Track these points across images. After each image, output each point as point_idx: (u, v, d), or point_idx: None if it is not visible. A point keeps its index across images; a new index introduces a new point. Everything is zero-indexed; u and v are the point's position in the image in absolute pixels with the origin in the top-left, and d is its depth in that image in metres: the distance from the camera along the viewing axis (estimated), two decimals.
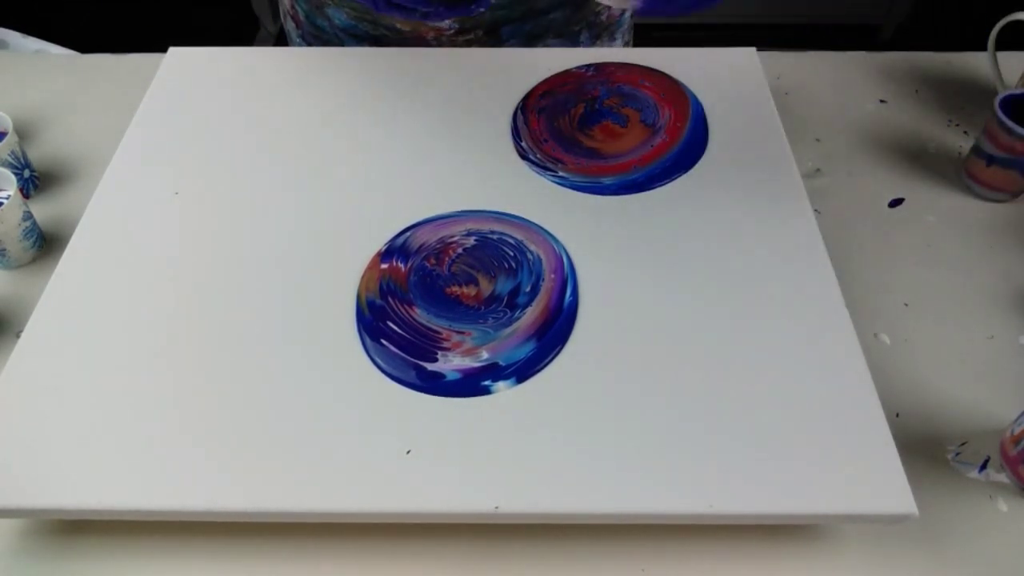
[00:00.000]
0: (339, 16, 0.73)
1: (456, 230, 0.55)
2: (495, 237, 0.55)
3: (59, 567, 0.46)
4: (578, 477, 0.43)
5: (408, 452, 0.44)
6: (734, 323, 0.50)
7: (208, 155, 0.61)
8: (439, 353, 0.49)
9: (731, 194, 0.58)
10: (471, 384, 0.47)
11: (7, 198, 0.59)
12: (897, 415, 0.52)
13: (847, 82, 0.76)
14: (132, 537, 0.47)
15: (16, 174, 0.64)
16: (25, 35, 1.06)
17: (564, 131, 0.63)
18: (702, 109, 0.64)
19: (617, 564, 0.46)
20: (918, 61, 0.79)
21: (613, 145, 0.62)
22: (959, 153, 0.70)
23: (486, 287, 0.52)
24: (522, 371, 0.48)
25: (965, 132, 0.72)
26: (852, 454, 0.44)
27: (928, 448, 0.51)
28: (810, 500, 0.42)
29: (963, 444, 0.51)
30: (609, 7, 0.75)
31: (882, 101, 0.75)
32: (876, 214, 0.65)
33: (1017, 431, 0.48)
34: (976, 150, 0.65)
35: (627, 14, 0.79)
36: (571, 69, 0.68)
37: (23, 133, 0.73)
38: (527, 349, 0.49)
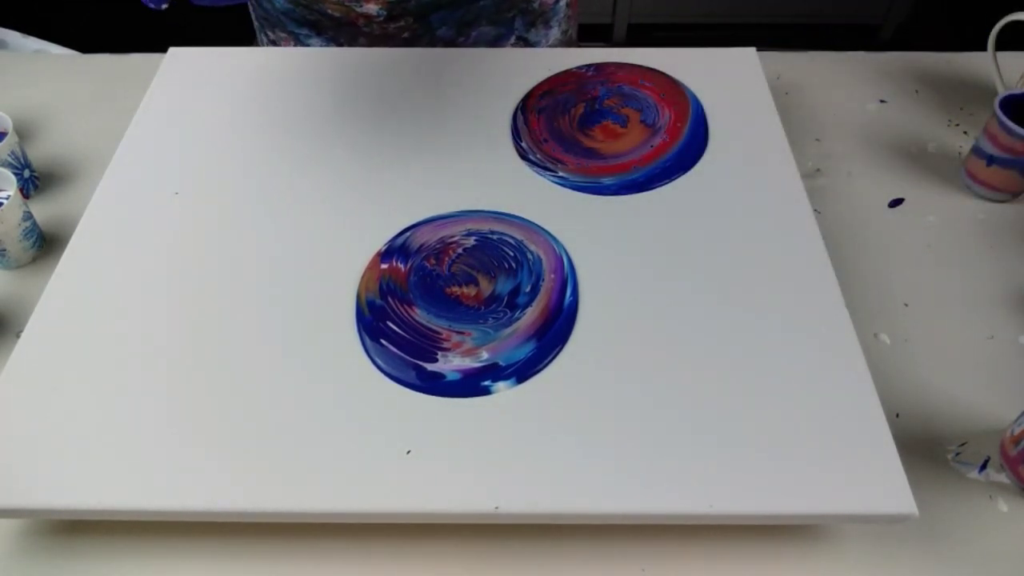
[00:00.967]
0: (279, 0, 0.74)
1: (456, 230, 0.55)
2: (495, 237, 0.55)
3: (59, 567, 0.46)
4: (578, 477, 0.43)
5: (408, 452, 0.44)
6: (734, 323, 0.50)
7: (208, 155, 0.61)
8: (439, 353, 0.49)
9: (731, 194, 0.58)
10: (471, 384, 0.47)
11: (7, 198, 0.59)
12: (897, 415, 0.52)
13: (847, 82, 0.76)
14: (132, 537, 0.47)
15: (16, 174, 0.64)
16: (25, 35, 1.07)
17: (564, 131, 0.63)
18: (702, 109, 0.64)
19: (617, 564, 0.46)
20: (918, 61, 0.79)
21: (613, 145, 0.62)
22: (959, 153, 0.70)
23: (486, 287, 0.52)
24: (522, 371, 0.48)
25: (965, 132, 0.72)
26: (852, 454, 0.44)
27: (928, 448, 0.51)
28: (810, 500, 0.42)
29: (963, 444, 0.51)
30: None
31: (882, 101, 0.75)
32: (876, 214, 0.65)
33: (1017, 431, 0.48)
34: (976, 150, 0.65)
35: (561, 2, 0.79)
36: (571, 69, 0.68)
37: (23, 133, 0.73)
38: (527, 349, 0.49)
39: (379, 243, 0.55)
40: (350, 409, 0.46)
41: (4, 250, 0.60)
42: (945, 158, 0.69)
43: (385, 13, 0.71)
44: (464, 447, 0.44)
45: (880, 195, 0.66)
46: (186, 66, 0.68)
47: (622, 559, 0.46)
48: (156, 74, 0.67)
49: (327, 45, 0.76)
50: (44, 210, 0.66)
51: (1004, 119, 0.61)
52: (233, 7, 0.50)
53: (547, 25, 0.79)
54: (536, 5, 0.77)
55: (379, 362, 0.48)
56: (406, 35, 0.73)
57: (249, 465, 0.44)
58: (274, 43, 0.79)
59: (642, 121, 0.64)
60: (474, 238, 0.55)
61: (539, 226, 0.55)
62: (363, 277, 0.53)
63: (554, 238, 0.55)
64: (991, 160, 0.64)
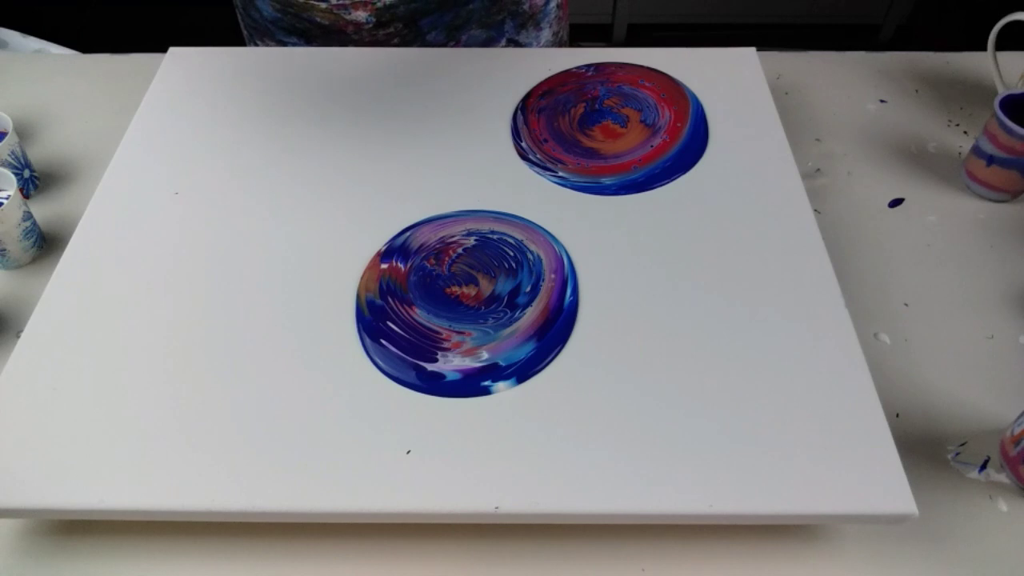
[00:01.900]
0: (266, 8, 0.74)
1: (456, 230, 0.55)
2: (495, 237, 0.55)
3: (59, 567, 0.46)
4: (578, 477, 0.43)
5: (408, 452, 0.44)
6: (734, 323, 0.50)
7: (208, 155, 0.61)
8: (439, 353, 0.49)
9: (731, 194, 0.58)
10: (471, 384, 0.47)
11: (7, 198, 0.59)
12: (897, 415, 0.52)
13: (847, 82, 0.76)
14: (132, 537, 0.47)
15: (16, 174, 0.64)
16: (25, 35, 1.07)
17: (564, 131, 0.63)
18: (702, 109, 0.64)
19: (617, 564, 0.46)
20: (918, 61, 0.79)
21: (613, 145, 0.62)
22: (959, 153, 0.70)
23: (486, 287, 0.52)
24: (522, 371, 0.48)
25: (965, 132, 0.72)
26: (852, 454, 0.44)
27: (928, 448, 0.51)
28: (810, 500, 0.42)
29: (963, 444, 0.51)
30: None
31: (882, 101, 0.75)
32: (876, 214, 0.65)
33: (1017, 431, 0.48)
34: (976, 150, 0.65)
35: (552, 4, 0.79)
36: (571, 69, 0.68)
37: (23, 133, 0.73)
38: (527, 349, 0.49)
39: (379, 243, 0.55)
40: (350, 409, 0.46)
41: (4, 250, 0.60)
42: (945, 158, 0.69)
43: (374, 20, 0.71)
44: (464, 447, 0.44)
45: (880, 195, 0.66)
46: (186, 66, 0.68)
47: (622, 559, 0.46)
48: (156, 74, 0.67)
49: None
50: (44, 210, 0.66)
51: (1004, 119, 0.61)
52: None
53: (538, 27, 0.79)
54: (526, 7, 0.76)
55: (379, 362, 0.48)
56: (395, 41, 0.73)
57: (249, 465, 0.44)
58: None
59: (642, 121, 0.64)
60: (474, 238, 0.55)
61: (539, 226, 0.55)
62: (363, 277, 0.53)
63: (554, 238, 0.55)
64: (991, 160, 0.64)
